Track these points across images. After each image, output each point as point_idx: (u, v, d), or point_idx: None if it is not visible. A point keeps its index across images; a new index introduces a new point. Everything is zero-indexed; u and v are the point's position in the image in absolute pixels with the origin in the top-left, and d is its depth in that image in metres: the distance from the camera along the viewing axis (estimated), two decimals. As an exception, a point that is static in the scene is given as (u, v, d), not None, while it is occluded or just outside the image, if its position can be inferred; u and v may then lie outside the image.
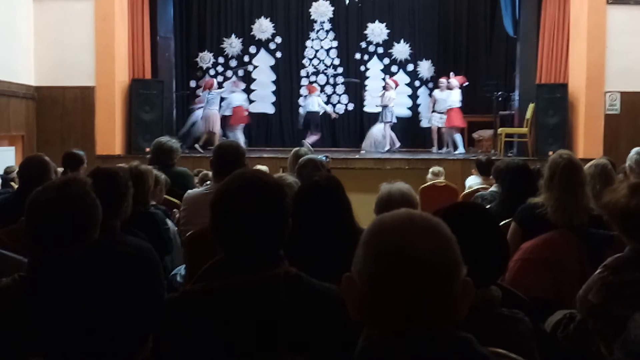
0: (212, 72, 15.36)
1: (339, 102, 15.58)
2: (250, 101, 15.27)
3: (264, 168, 8.09)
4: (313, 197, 3.24)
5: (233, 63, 15.48)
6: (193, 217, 4.52)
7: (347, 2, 15.30)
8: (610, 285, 2.71)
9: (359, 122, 15.63)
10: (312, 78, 15.55)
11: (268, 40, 15.54)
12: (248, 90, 15.24)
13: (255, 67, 15.53)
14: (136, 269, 1.81)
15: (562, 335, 2.95)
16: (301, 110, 14.93)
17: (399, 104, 14.80)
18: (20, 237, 2.66)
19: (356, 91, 15.61)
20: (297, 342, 1.91)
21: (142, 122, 12.35)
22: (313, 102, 14.32)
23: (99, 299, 2.33)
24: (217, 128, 13.58)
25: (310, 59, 15.65)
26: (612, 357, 2.65)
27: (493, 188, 5.98)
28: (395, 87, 14.17)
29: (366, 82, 15.62)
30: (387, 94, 13.86)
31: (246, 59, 15.51)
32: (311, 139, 13.87)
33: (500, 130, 12.89)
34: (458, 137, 13.94)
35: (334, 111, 15.15)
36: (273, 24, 15.50)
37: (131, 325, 2.39)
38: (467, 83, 14.22)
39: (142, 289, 1.88)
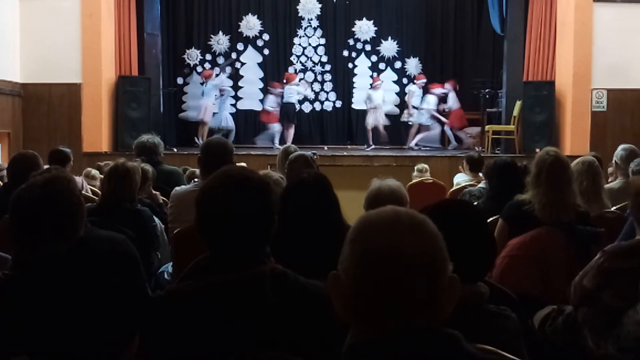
0: (199, 69, 15.32)
1: (327, 99, 15.57)
2: (238, 98, 15.26)
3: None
4: (300, 194, 3.23)
5: (220, 60, 15.44)
6: (180, 215, 4.50)
7: (335, -1, 15.32)
8: (606, 271, 2.71)
9: (347, 119, 15.64)
10: (300, 75, 15.53)
11: (255, 37, 15.49)
12: (235, 87, 15.21)
13: (242, 64, 15.49)
14: (118, 264, 1.81)
15: (550, 329, 2.96)
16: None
17: (387, 102, 14.87)
18: (4, 235, 2.63)
19: (344, 88, 15.61)
20: (283, 339, 1.90)
21: (129, 120, 12.30)
22: (292, 92, 14.06)
23: (84, 296, 2.32)
24: (207, 118, 13.71)
25: (298, 56, 15.62)
26: (599, 351, 2.66)
27: (481, 184, 6.00)
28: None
29: (354, 79, 15.63)
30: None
31: (233, 55, 15.47)
32: (290, 134, 13.78)
33: (487, 127, 12.95)
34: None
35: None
36: (260, 21, 15.46)
37: (117, 322, 2.38)
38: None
39: (125, 284, 1.88)
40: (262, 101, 15.03)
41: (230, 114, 14.53)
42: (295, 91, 14.13)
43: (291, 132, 13.82)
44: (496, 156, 8.78)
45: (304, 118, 15.22)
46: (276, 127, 14.07)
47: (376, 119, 14.07)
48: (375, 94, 14.24)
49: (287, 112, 13.94)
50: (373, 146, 13.92)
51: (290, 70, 15.45)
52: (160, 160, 6.31)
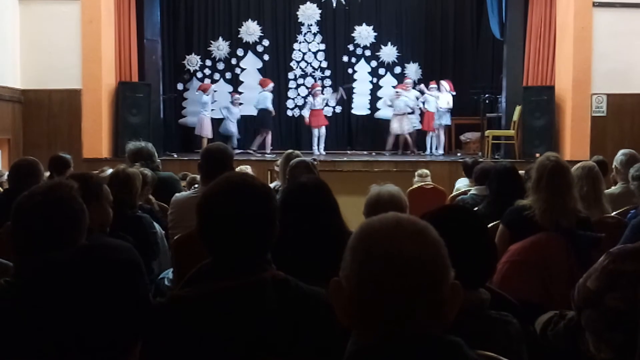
0: (199, 74, 15.34)
1: (327, 104, 15.57)
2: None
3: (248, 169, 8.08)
4: (300, 199, 3.24)
5: (220, 66, 15.45)
6: (181, 221, 4.51)
7: (334, 4, 15.31)
8: (610, 273, 2.70)
9: (346, 124, 15.66)
10: (300, 81, 15.56)
11: (255, 43, 15.52)
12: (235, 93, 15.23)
13: (242, 69, 15.50)
14: (122, 271, 1.81)
15: (552, 333, 2.95)
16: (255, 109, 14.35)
17: (386, 106, 14.87)
18: (6, 242, 2.64)
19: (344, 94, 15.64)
20: (285, 346, 1.90)
21: (129, 125, 12.28)
22: (266, 97, 13.96)
23: (86, 304, 2.32)
24: (205, 132, 13.64)
25: (298, 62, 15.64)
26: (599, 355, 2.65)
27: (473, 191, 5.98)
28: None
29: (354, 85, 15.64)
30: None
31: (233, 61, 15.48)
32: (268, 142, 13.80)
33: (487, 132, 12.95)
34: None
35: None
36: (260, 27, 15.49)
37: (119, 329, 2.37)
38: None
39: (129, 292, 1.88)
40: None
41: (237, 121, 14.35)
42: (270, 97, 14.06)
43: (268, 138, 13.86)
44: (484, 161, 8.73)
45: (303, 124, 15.14)
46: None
47: (401, 127, 14.02)
48: (398, 101, 14.12)
49: (264, 118, 13.93)
50: (388, 153, 14.00)
51: (290, 75, 15.49)
52: (156, 167, 6.27)
